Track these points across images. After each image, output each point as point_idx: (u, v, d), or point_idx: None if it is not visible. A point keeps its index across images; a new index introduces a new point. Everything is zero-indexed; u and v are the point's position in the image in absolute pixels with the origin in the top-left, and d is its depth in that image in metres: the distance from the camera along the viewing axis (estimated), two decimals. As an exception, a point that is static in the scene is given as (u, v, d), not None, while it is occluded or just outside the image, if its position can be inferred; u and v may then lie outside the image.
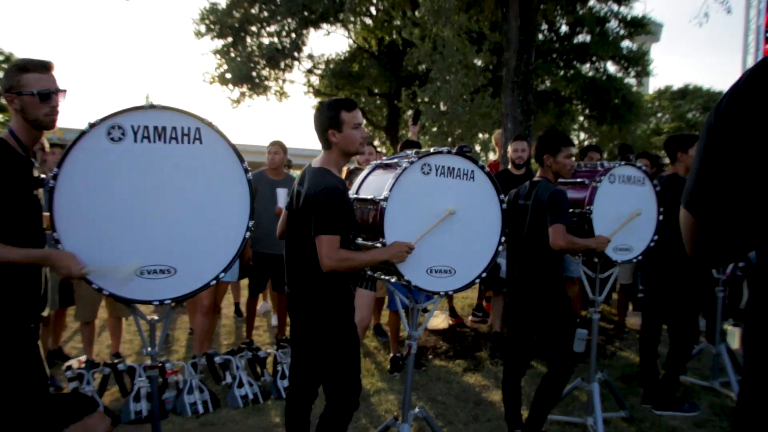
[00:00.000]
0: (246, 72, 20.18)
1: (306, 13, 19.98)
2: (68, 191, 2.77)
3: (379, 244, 3.22)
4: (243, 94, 21.19)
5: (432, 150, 3.48)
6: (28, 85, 2.71)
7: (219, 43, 21.17)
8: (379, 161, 3.84)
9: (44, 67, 2.77)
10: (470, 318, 7.87)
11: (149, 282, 2.90)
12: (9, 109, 2.79)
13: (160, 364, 3.17)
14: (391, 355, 5.92)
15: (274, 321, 7.27)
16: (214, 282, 3.00)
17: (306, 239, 3.10)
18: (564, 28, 21.81)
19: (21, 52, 22.07)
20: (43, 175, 2.90)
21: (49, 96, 2.74)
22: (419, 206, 3.36)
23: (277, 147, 6.15)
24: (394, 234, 3.25)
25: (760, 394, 1.24)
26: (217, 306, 6.06)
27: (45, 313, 2.92)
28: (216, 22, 20.73)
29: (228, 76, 20.44)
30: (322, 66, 22.27)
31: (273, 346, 6.17)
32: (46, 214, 2.86)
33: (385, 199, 3.23)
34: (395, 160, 3.53)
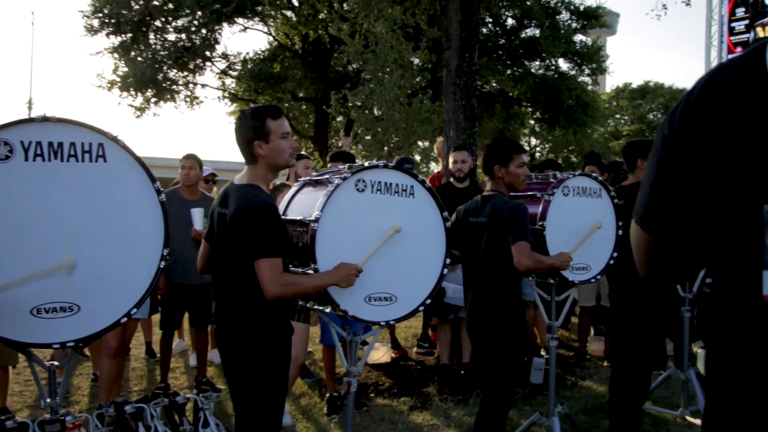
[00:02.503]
0: (150, 74, 19.78)
1: (218, 6, 19.73)
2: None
3: (311, 271, 3.29)
4: (148, 101, 20.82)
5: (366, 164, 3.57)
6: None
7: (116, 40, 20.73)
8: (307, 178, 3.91)
9: None
10: (415, 350, 7.98)
11: (48, 322, 2.89)
12: None
13: (62, 418, 3.13)
14: (328, 395, 5.95)
15: (193, 361, 7.20)
16: (124, 320, 3.01)
17: (237, 267, 3.10)
18: (510, 22, 22.35)
19: None
20: None
21: None
22: (355, 227, 3.44)
23: (192, 161, 6.14)
24: (327, 259, 3.31)
25: (722, 421, 1.34)
26: (125, 346, 5.97)
27: None
28: (111, 15, 20.25)
29: (129, 80, 19.99)
30: (239, 66, 22.14)
31: (193, 390, 6.12)
32: None
33: (316, 220, 3.30)
34: (326, 176, 3.61)
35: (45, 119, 2.89)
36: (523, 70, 21.93)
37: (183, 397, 5.49)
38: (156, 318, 6.95)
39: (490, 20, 21.61)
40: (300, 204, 3.65)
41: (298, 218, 3.45)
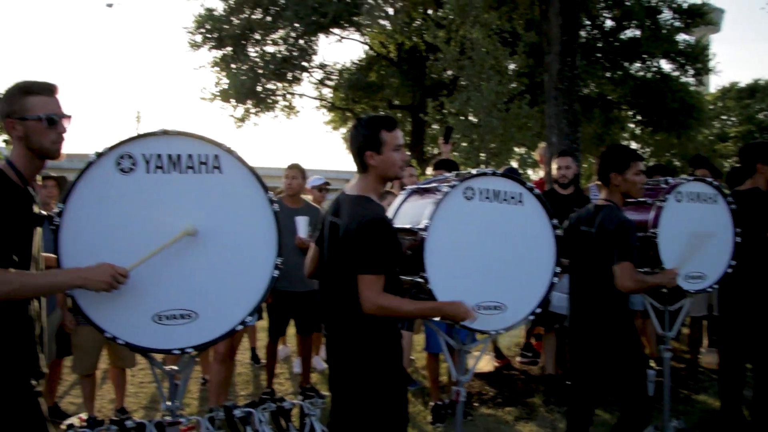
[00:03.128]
0: (250, 86, 20.36)
1: (315, 17, 20.10)
2: (74, 229, 2.86)
3: (419, 279, 3.28)
4: (248, 111, 21.41)
5: (475, 172, 3.55)
6: (33, 109, 2.71)
7: (218, 54, 21.43)
8: (414, 186, 3.92)
9: (50, 90, 2.78)
10: (518, 359, 7.86)
11: (167, 329, 2.97)
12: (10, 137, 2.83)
13: (181, 420, 3.23)
14: (432, 403, 5.94)
15: (297, 367, 7.32)
16: (240, 327, 3.08)
17: (345, 276, 3.12)
18: (609, 23, 21.77)
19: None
20: (43, 212, 2.95)
21: (56, 121, 2.74)
22: (463, 235, 3.42)
23: (296, 171, 6.26)
24: (436, 267, 3.30)
25: None
26: (233, 352, 6.13)
27: (45, 368, 2.86)
28: (213, 30, 20.96)
29: (230, 91, 20.61)
30: (336, 76, 22.46)
31: (298, 396, 6.21)
32: (50, 255, 2.94)
33: (425, 229, 3.30)
34: (434, 185, 3.61)
35: (164, 132, 2.99)
36: (622, 73, 21.32)
37: (289, 403, 5.57)
38: (260, 324, 7.11)
39: (588, 22, 21.09)
40: (408, 212, 3.66)
41: (407, 226, 3.46)
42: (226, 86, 20.89)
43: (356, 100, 22.15)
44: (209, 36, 21.12)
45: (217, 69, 21.43)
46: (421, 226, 3.33)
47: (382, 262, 3.03)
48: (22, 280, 2.57)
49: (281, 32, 21.33)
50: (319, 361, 7.62)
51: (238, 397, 6.62)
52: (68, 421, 5.33)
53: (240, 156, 3.08)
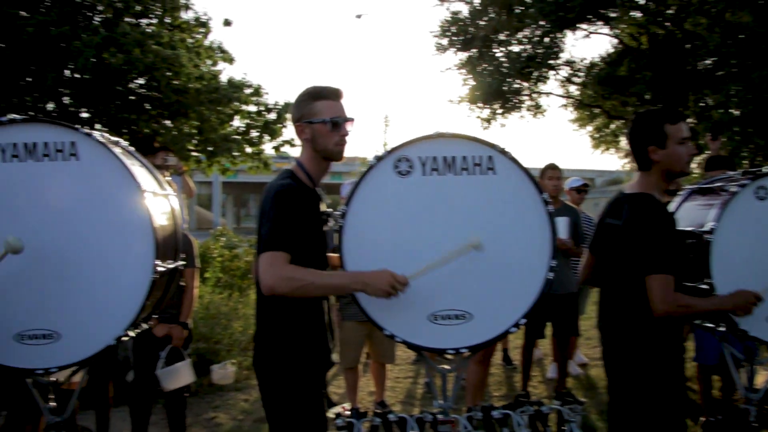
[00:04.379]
0: (496, 87, 20.43)
1: (561, 13, 19.69)
2: (356, 230, 3.01)
3: (704, 286, 3.06)
4: (494, 112, 21.52)
5: (765, 170, 3.24)
6: (320, 113, 2.87)
7: (463, 56, 21.74)
8: (694, 185, 3.66)
9: (335, 94, 2.94)
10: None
11: (443, 328, 3.03)
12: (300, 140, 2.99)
13: (454, 419, 3.28)
14: (704, 419, 5.52)
15: (551, 372, 7.19)
16: (514, 329, 3.05)
17: (627, 279, 3.00)
18: None
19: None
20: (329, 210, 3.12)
21: (340, 124, 2.89)
22: (758, 240, 3.13)
23: (557, 172, 6.18)
24: (724, 274, 3.06)
25: None
26: (490, 353, 6.15)
27: (335, 358, 3.07)
28: (459, 33, 21.33)
29: (477, 93, 20.84)
30: (583, 72, 21.83)
31: (553, 401, 6.09)
32: (333, 255, 3.12)
33: (711, 232, 3.07)
34: (718, 184, 3.35)
35: (440, 135, 3.05)
36: None
37: (548, 408, 5.46)
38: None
39: None
40: (689, 214, 3.42)
41: (689, 229, 3.23)
42: (471, 88, 21.16)
43: (606, 96, 21.32)
44: (455, 39, 21.52)
45: (464, 71, 21.74)
46: (706, 228, 3.10)
47: (669, 261, 2.87)
48: (311, 279, 2.71)
49: (527, 31, 21.17)
50: (574, 366, 7.42)
51: (492, 398, 6.63)
52: (336, 410, 5.65)
53: (514, 157, 3.05)
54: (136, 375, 4.83)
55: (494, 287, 3.04)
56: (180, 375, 4.68)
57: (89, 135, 3.00)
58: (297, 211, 2.77)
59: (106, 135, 3.15)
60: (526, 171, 3.07)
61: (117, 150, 3.07)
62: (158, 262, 3.01)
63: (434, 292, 3.02)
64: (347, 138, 2.94)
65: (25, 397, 3.31)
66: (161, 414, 5.52)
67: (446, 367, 3.22)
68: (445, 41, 21.72)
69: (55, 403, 3.18)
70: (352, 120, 2.95)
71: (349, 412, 5.63)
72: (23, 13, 9.80)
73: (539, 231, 3.06)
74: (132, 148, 3.36)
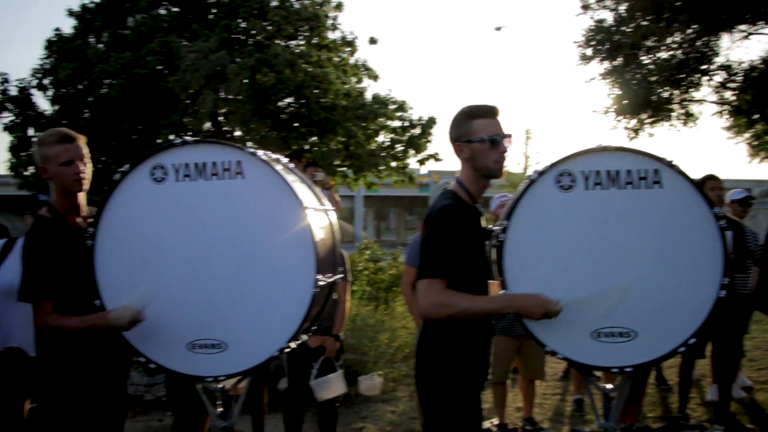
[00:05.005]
0: (643, 95, 19.70)
1: (715, 15, 18.69)
2: (517, 245, 3.00)
3: None
4: (642, 122, 20.76)
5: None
6: (477, 131, 2.91)
7: (608, 65, 21.10)
8: None
9: (492, 112, 2.97)
10: None
11: (606, 346, 2.98)
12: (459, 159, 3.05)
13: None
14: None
15: (711, 394, 6.82)
16: (682, 349, 2.95)
17: None
18: None
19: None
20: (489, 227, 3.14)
21: (498, 142, 2.92)
22: None
23: (718, 182, 5.91)
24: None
25: None
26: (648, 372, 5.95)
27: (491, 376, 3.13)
28: (604, 41, 20.73)
29: (623, 102, 20.18)
30: (741, 77, 20.61)
31: (714, 426, 5.80)
32: (494, 282, 3.11)
33: None
34: None
35: (603, 149, 3.00)
36: None
37: (711, 432, 5.23)
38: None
39: None
40: None
41: None
42: (617, 97, 20.51)
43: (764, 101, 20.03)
44: (600, 48, 20.93)
45: (609, 81, 21.11)
46: None
47: None
48: (464, 305, 2.79)
49: (676, 36, 20.26)
50: (737, 389, 7.00)
51: (645, 419, 6.38)
52: (483, 425, 5.63)
53: (682, 170, 2.95)
54: (290, 384, 5.02)
55: (661, 305, 2.94)
56: (332, 386, 4.83)
57: (254, 154, 3.11)
58: (458, 233, 2.84)
59: (269, 153, 3.29)
60: (695, 184, 2.96)
61: (279, 167, 3.19)
62: (319, 276, 3.08)
63: (596, 310, 2.95)
64: (506, 154, 2.97)
65: (192, 400, 3.52)
66: (310, 422, 5.71)
67: (609, 386, 3.14)
68: (589, 51, 21.12)
69: (222, 408, 3.35)
70: (509, 136, 2.97)
71: (496, 429, 5.61)
72: (185, 42, 10.47)
73: (711, 247, 2.93)
74: (292, 165, 3.50)
